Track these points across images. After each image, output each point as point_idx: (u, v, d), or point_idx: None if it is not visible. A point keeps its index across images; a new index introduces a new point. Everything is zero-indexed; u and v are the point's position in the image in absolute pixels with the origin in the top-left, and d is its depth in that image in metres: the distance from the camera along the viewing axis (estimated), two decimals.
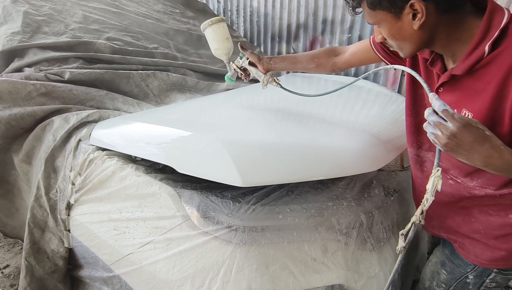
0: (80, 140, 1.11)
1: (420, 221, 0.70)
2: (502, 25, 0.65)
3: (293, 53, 3.08)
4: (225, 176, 0.82)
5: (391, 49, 0.84)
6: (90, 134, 1.13)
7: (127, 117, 1.18)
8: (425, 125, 0.67)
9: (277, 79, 1.17)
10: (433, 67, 0.79)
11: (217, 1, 3.38)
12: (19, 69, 1.30)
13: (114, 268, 0.96)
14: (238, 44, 1.19)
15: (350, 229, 0.94)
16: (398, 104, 1.51)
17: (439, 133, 0.63)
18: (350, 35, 2.78)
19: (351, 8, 0.76)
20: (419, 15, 0.66)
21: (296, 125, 1.11)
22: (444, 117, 0.62)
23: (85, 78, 1.29)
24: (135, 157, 1.06)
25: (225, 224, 0.84)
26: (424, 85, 0.68)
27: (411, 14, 0.67)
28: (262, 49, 3.27)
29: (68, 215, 1.06)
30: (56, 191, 1.08)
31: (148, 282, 0.88)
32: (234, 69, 1.24)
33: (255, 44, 3.30)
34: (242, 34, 3.34)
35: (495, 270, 0.91)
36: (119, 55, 1.45)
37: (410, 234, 0.72)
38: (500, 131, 0.69)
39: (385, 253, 1.01)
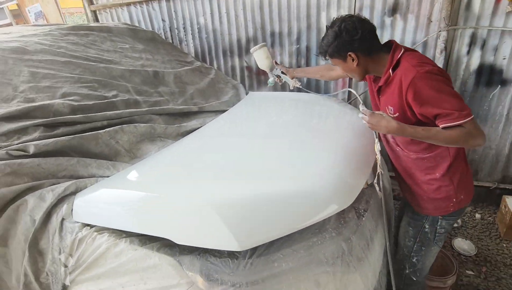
0: (63, 219, 1.09)
1: (381, 172, 1.27)
2: (397, 58, 1.20)
3: (245, 66, 3.18)
4: (222, 243, 0.89)
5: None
6: (72, 210, 1.12)
7: (105, 184, 1.18)
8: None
9: (299, 82, 1.92)
10: (374, 82, 1.37)
11: (162, 19, 3.32)
12: None
13: None
14: (273, 61, 1.95)
15: (335, 259, 1.07)
16: (347, 116, 1.69)
17: (364, 122, 1.22)
18: (298, 45, 2.93)
19: (322, 56, 1.31)
20: (355, 59, 1.23)
21: (269, 168, 1.19)
22: (364, 113, 1.22)
23: (51, 148, 1.25)
24: None
25: (229, 283, 0.92)
26: (359, 98, 1.33)
27: (350, 59, 1.24)
28: (215, 65, 3.31)
29: None
30: (47, 275, 1.07)
31: None
32: (274, 76, 1.98)
33: (208, 59, 3.33)
34: (192, 51, 3.34)
35: (440, 217, 1.34)
36: (80, 115, 1.41)
37: (382, 184, 1.28)
38: (408, 114, 1.20)
39: (366, 269, 1.16)
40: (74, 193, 1.17)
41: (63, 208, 1.11)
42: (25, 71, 1.51)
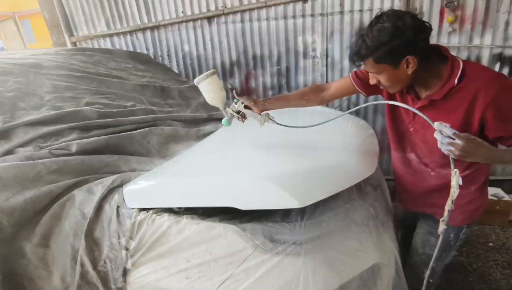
0: (118, 206, 1.13)
1: (452, 209, 1.01)
2: (461, 67, 1.02)
3: (230, 88, 3.39)
4: (284, 203, 1.02)
5: (381, 88, 1.17)
6: (124, 199, 1.17)
7: (153, 173, 1.25)
8: (439, 144, 0.97)
9: (272, 117, 1.35)
10: (408, 94, 1.16)
11: (146, 48, 3.46)
12: (9, 151, 1.23)
13: None
14: (233, 91, 1.40)
15: (368, 221, 1.24)
16: (347, 120, 1.93)
17: (453, 148, 0.94)
18: (278, 67, 3.24)
19: (353, 62, 1.07)
20: (411, 65, 1.00)
21: (304, 152, 1.36)
22: (454, 138, 0.93)
23: (92, 147, 1.30)
24: (179, 209, 1.15)
25: (290, 242, 1.03)
26: (426, 118, 0.96)
27: (405, 64, 1.00)
28: None
29: (125, 282, 1.07)
30: (105, 262, 1.08)
31: None
32: (231, 114, 1.36)
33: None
34: None
35: (465, 226, 1.30)
36: (110, 119, 1.49)
37: (446, 219, 1.04)
38: (473, 132, 1.02)
39: (390, 232, 1.34)
40: (120, 185, 1.22)
41: (115, 197, 1.16)
42: (46, 83, 1.56)
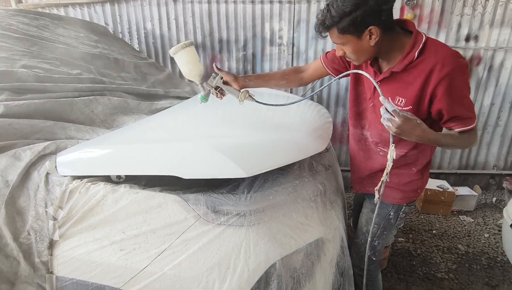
0: (48, 173, 1.03)
1: (387, 180, 1.05)
2: (423, 41, 1.03)
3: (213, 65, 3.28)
4: (229, 172, 0.98)
5: (347, 59, 1.18)
6: (55, 166, 1.06)
7: (93, 142, 1.16)
8: (382, 119, 1.00)
9: (252, 94, 1.30)
10: (372, 67, 1.16)
11: (105, 23, 3.25)
12: None
13: (126, 288, 0.96)
14: (214, 65, 1.31)
15: (315, 197, 1.24)
16: (310, 106, 1.95)
17: (390, 124, 0.97)
18: (244, 52, 3.19)
19: (319, 33, 1.07)
20: (374, 36, 1.00)
21: (259, 125, 1.33)
22: (393, 114, 0.96)
23: (23, 110, 1.17)
24: (118, 178, 1.08)
25: (234, 213, 1.00)
26: (379, 90, 0.98)
27: (368, 35, 1.00)
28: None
29: (51, 255, 0.98)
30: (28, 234, 0.98)
31: (173, 285, 0.94)
32: (209, 89, 1.28)
33: None
34: None
35: (404, 205, 1.36)
36: (50, 83, 1.35)
37: (380, 188, 1.09)
38: (421, 109, 1.08)
39: (337, 210, 1.36)
40: (54, 153, 1.11)
41: (46, 164, 1.05)
42: None
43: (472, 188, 3.14)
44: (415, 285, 2.10)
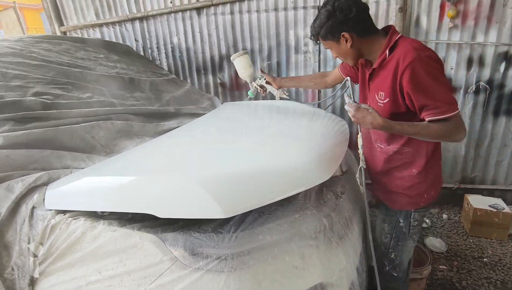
0: (34, 207, 1.03)
1: (364, 167, 1.25)
2: (395, 39, 1.17)
3: (219, 82, 3.27)
4: (207, 212, 0.89)
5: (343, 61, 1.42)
6: (44, 199, 1.06)
7: (81, 172, 1.14)
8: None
9: (286, 93, 1.76)
10: (366, 68, 1.32)
11: (135, 40, 3.38)
12: None
13: None
14: (259, 68, 1.88)
15: (317, 233, 1.09)
16: (323, 117, 1.78)
17: (350, 114, 1.16)
18: (269, 62, 3.09)
19: (314, 40, 1.27)
20: (348, 40, 1.18)
21: (250, 149, 1.22)
22: (349, 107, 1.16)
23: (23, 140, 1.20)
24: (102, 213, 1.04)
25: (214, 256, 0.90)
26: (348, 92, 1.24)
27: (344, 40, 1.19)
28: (189, 81, 3.37)
29: None
30: (12, 269, 0.98)
31: None
32: (255, 87, 1.80)
33: (181, 77, 3.38)
34: (166, 68, 3.38)
35: (413, 211, 1.36)
36: (54, 110, 1.38)
37: (363, 178, 1.25)
38: (397, 101, 1.17)
39: (347, 247, 1.19)
40: (46, 183, 1.12)
41: (34, 197, 1.05)
42: None
43: None
44: None
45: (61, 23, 3.51)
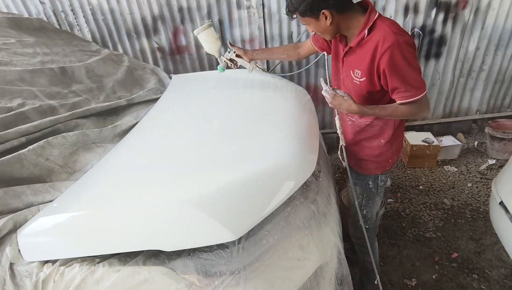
0: (11, 263, 0.91)
1: (344, 145, 1.37)
2: (374, 19, 1.18)
3: (156, 46, 2.96)
4: (217, 237, 0.89)
5: (318, 35, 1.41)
6: (19, 251, 0.94)
7: (53, 209, 1.01)
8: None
9: (259, 65, 1.72)
10: (340, 43, 1.36)
11: (40, 1, 2.77)
12: None
13: None
14: (228, 41, 1.68)
15: (309, 221, 1.18)
16: (286, 89, 1.78)
17: (328, 101, 1.25)
18: (210, 20, 2.84)
19: (290, 15, 1.24)
20: (328, 17, 1.18)
21: (234, 151, 1.19)
22: (327, 94, 1.23)
23: None
24: None
25: (227, 273, 0.94)
26: (327, 74, 1.35)
27: (324, 17, 1.18)
28: (120, 48, 2.98)
29: None
30: None
31: None
32: (225, 61, 1.68)
33: (110, 44, 2.96)
34: (89, 36, 2.93)
35: (380, 174, 1.54)
36: None
37: (344, 155, 1.38)
38: (373, 80, 1.25)
39: (331, 222, 1.32)
40: (13, 231, 0.98)
41: (7, 251, 0.92)
42: None
43: (455, 136, 3.18)
44: (406, 249, 2.21)
45: None
